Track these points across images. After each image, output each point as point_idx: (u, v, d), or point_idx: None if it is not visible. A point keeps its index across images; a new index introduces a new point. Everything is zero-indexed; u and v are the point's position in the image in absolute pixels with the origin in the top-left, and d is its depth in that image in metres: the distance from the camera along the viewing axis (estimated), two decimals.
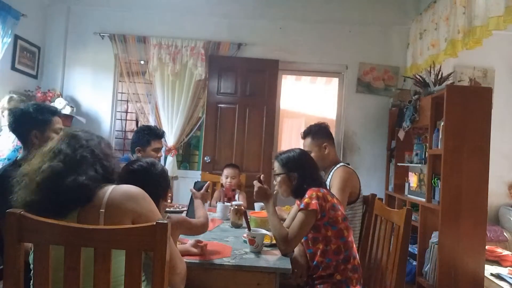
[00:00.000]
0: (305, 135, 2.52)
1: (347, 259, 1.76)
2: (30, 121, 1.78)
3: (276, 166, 1.96)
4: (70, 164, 1.12)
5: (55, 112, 1.88)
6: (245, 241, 1.92)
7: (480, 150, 2.76)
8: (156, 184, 1.43)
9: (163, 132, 2.79)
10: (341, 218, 1.79)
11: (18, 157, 1.83)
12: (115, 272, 1.01)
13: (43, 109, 1.83)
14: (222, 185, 3.05)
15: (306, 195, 1.77)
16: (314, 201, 1.72)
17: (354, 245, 1.85)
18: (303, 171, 1.88)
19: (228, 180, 2.99)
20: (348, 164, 2.46)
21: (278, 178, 1.93)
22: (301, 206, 1.75)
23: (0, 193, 1.58)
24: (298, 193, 1.88)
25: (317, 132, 2.48)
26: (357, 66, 4.19)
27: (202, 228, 1.59)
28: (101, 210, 1.07)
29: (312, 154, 2.38)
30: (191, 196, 1.81)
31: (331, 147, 2.48)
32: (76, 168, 1.11)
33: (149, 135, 2.65)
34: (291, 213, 2.14)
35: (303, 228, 1.73)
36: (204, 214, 1.67)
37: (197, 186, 1.93)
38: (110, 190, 1.12)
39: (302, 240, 1.83)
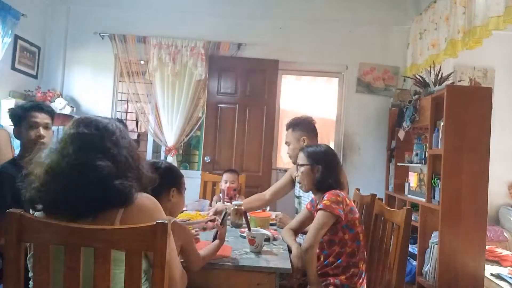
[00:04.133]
0: (287, 127, 2.51)
1: (357, 264, 1.77)
2: (10, 119, 1.88)
3: (301, 157, 1.96)
4: (118, 166, 1.07)
5: (30, 107, 1.88)
6: (242, 236, 1.93)
7: (480, 150, 2.75)
8: (160, 182, 1.42)
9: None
10: (358, 221, 1.81)
11: (15, 156, 1.86)
12: (115, 279, 1.00)
13: (19, 106, 1.90)
14: (221, 190, 3.03)
15: (326, 197, 1.77)
16: (335, 206, 1.73)
17: (364, 249, 1.86)
18: (327, 166, 1.88)
19: (228, 184, 2.98)
20: None
21: (302, 169, 1.93)
22: (320, 206, 1.75)
23: None
24: (320, 187, 1.88)
25: (298, 124, 2.46)
26: (357, 66, 4.19)
27: (196, 260, 1.41)
28: (116, 222, 1.03)
29: (290, 147, 2.40)
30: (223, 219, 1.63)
31: (311, 141, 2.40)
32: (123, 170, 1.08)
33: None
34: (299, 216, 2.13)
35: (323, 227, 1.73)
36: (209, 254, 1.48)
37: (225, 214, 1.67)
38: None
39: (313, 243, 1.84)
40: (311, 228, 1.76)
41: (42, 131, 1.84)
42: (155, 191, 1.34)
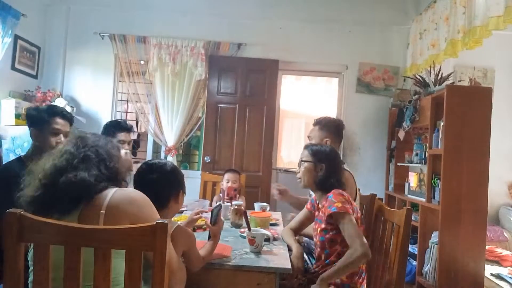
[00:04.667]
0: (316, 122, 2.49)
1: None
2: (29, 119, 1.88)
3: (305, 154, 1.96)
4: (72, 162, 1.13)
5: (54, 113, 1.89)
6: (242, 236, 1.93)
7: (480, 150, 2.76)
8: (164, 184, 1.41)
9: (128, 125, 2.68)
10: (360, 221, 1.80)
11: (21, 154, 1.88)
12: (114, 273, 1.01)
13: (42, 109, 1.89)
14: (221, 190, 3.03)
15: (333, 198, 1.75)
16: (347, 206, 1.72)
17: None
18: (330, 165, 1.89)
19: (229, 184, 2.98)
20: (344, 163, 2.42)
21: (305, 165, 1.93)
22: (333, 210, 1.70)
23: (1, 186, 1.62)
24: (321, 186, 1.88)
25: (326, 124, 2.45)
26: (357, 66, 4.19)
27: (197, 261, 1.42)
28: (101, 212, 1.06)
29: (312, 142, 2.38)
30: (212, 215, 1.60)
31: (334, 144, 2.42)
32: (78, 165, 1.13)
33: (114, 127, 2.61)
34: (299, 216, 2.13)
35: (356, 227, 1.70)
36: (208, 254, 1.49)
37: (214, 213, 1.59)
38: (112, 192, 1.12)
39: (318, 242, 1.83)
40: (354, 237, 1.66)
41: (63, 138, 1.87)
42: (164, 195, 1.36)
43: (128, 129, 2.66)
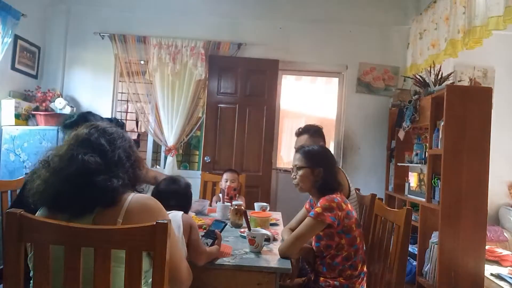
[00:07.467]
0: (302, 132, 2.56)
1: (354, 266, 1.76)
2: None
3: (299, 159, 1.85)
4: (107, 163, 1.10)
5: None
6: (242, 236, 1.93)
7: (480, 150, 2.76)
8: (182, 200, 1.55)
9: None
10: (355, 225, 1.76)
11: None
12: (114, 276, 1.01)
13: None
14: (221, 190, 3.02)
15: (320, 202, 1.72)
16: (327, 213, 1.66)
17: (363, 251, 1.83)
18: (328, 167, 1.80)
19: (228, 183, 2.98)
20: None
21: (300, 172, 1.83)
22: (311, 214, 1.69)
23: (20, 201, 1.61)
24: (322, 190, 1.79)
25: (316, 131, 2.54)
26: (357, 66, 4.19)
27: (202, 253, 1.46)
28: (118, 220, 1.05)
29: None
30: (214, 223, 1.74)
31: None
32: (112, 168, 1.10)
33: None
34: (298, 216, 2.12)
35: (307, 235, 1.70)
36: (209, 254, 1.51)
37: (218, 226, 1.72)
38: (129, 199, 1.09)
39: (315, 247, 1.82)
40: (293, 234, 1.70)
41: None
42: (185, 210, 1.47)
43: None
